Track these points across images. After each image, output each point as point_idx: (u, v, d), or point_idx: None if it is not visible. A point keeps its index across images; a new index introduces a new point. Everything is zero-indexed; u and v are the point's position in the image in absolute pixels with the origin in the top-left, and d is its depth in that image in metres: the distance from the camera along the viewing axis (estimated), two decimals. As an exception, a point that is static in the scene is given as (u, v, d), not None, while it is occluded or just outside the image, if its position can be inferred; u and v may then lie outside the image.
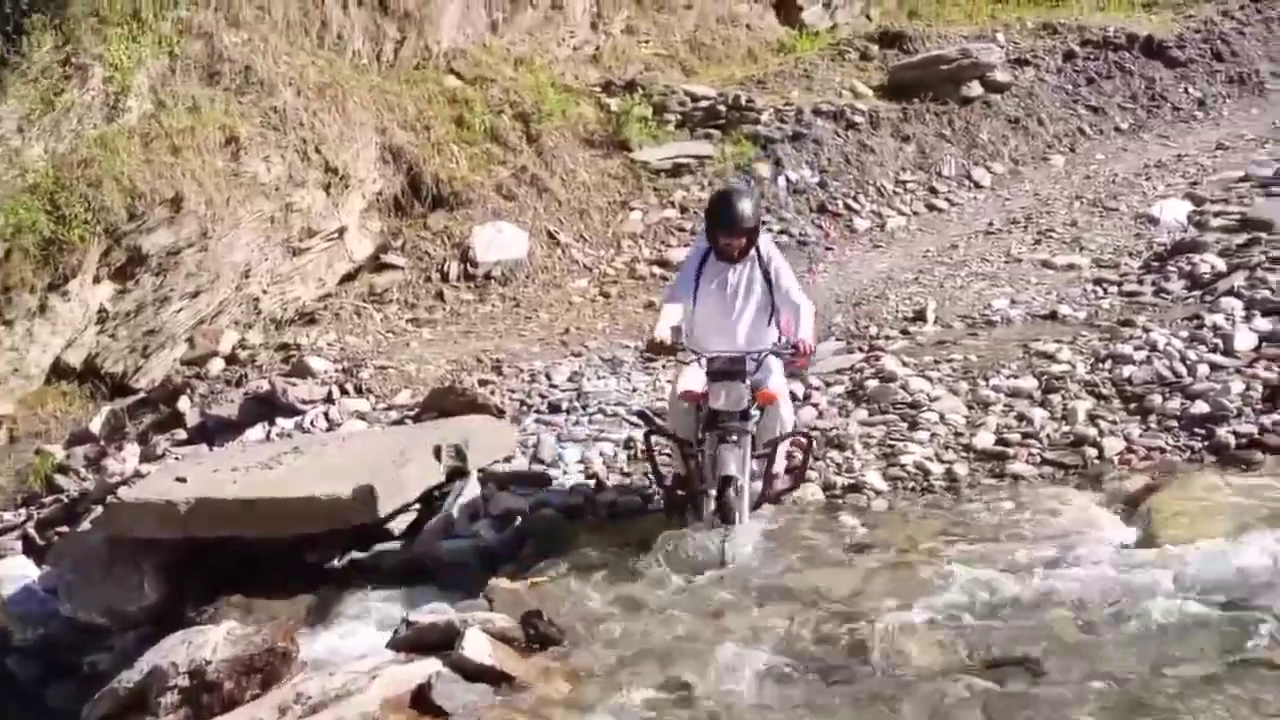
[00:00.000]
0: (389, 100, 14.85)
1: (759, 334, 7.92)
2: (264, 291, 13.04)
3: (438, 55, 16.03)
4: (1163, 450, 8.43)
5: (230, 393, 11.46)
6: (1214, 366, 9.34)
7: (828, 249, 14.66)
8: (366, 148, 14.11)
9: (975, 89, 17.59)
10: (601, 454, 9.37)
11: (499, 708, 5.54)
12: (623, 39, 18.42)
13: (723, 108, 16.62)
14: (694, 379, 7.69)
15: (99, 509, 9.21)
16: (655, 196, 15.46)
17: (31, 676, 8.67)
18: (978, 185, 16.45)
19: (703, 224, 8.20)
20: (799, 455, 8.23)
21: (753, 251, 7.86)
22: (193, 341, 12.49)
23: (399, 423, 10.31)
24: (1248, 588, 6.18)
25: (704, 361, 7.61)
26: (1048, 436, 8.84)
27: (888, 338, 11.31)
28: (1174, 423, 8.70)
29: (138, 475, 9.87)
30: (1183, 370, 9.35)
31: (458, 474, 8.68)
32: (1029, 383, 9.66)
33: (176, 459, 10.17)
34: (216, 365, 12.17)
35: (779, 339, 7.89)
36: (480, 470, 8.81)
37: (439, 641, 6.06)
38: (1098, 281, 12.15)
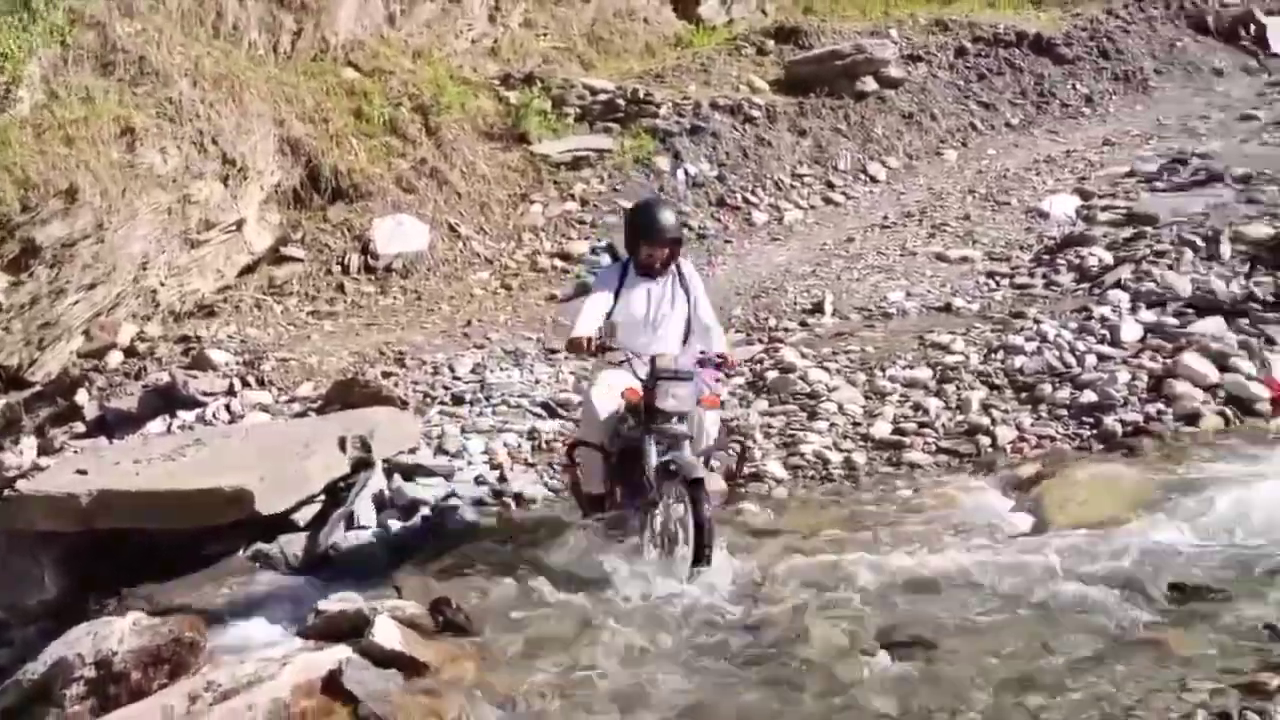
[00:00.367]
0: (286, 92, 14.75)
1: (678, 349, 7.47)
2: (162, 284, 12.89)
3: (335, 47, 15.96)
4: (1053, 439, 8.70)
5: (129, 385, 11.34)
6: (1101, 357, 9.64)
7: (726, 242, 14.83)
8: (264, 139, 14.00)
9: (870, 84, 17.88)
10: (506, 445, 9.43)
11: (408, 692, 5.61)
12: (521, 32, 18.46)
13: (622, 101, 16.74)
14: (623, 379, 7.25)
15: (-4, 503, 9.10)
16: (555, 189, 15.53)
17: None
18: (873, 179, 16.74)
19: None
20: (729, 463, 8.08)
21: (673, 266, 7.58)
22: (90, 334, 12.32)
23: (302, 415, 10.28)
24: (1132, 570, 6.42)
25: (644, 360, 7.13)
26: (943, 426, 9.08)
27: (786, 329, 11.50)
28: (1064, 412, 8.98)
29: (36, 469, 9.73)
30: (1072, 361, 9.63)
31: (363, 465, 8.67)
32: (924, 373, 9.91)
33: (76, 452, 10.02)
34: (115, 358, 12.02)
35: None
36: (385, 461, 8.81)
37: (349, 629, 6.10)
38: (990, 274, 12.43)
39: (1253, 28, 21.49)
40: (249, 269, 13.77)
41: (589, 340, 7.20)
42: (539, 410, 9.99)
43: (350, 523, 8.18)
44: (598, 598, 6.65)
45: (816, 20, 19.93)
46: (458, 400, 10.39)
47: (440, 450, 9.34)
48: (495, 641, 6.27)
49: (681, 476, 6.82)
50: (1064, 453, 8.45)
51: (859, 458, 8.74)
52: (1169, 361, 9.27)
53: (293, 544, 8.08)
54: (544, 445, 9.41)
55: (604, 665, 5.80)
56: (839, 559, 6.92)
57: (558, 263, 14.32)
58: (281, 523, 8.17)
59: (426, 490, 8.62)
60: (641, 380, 7.08)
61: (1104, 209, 14.02)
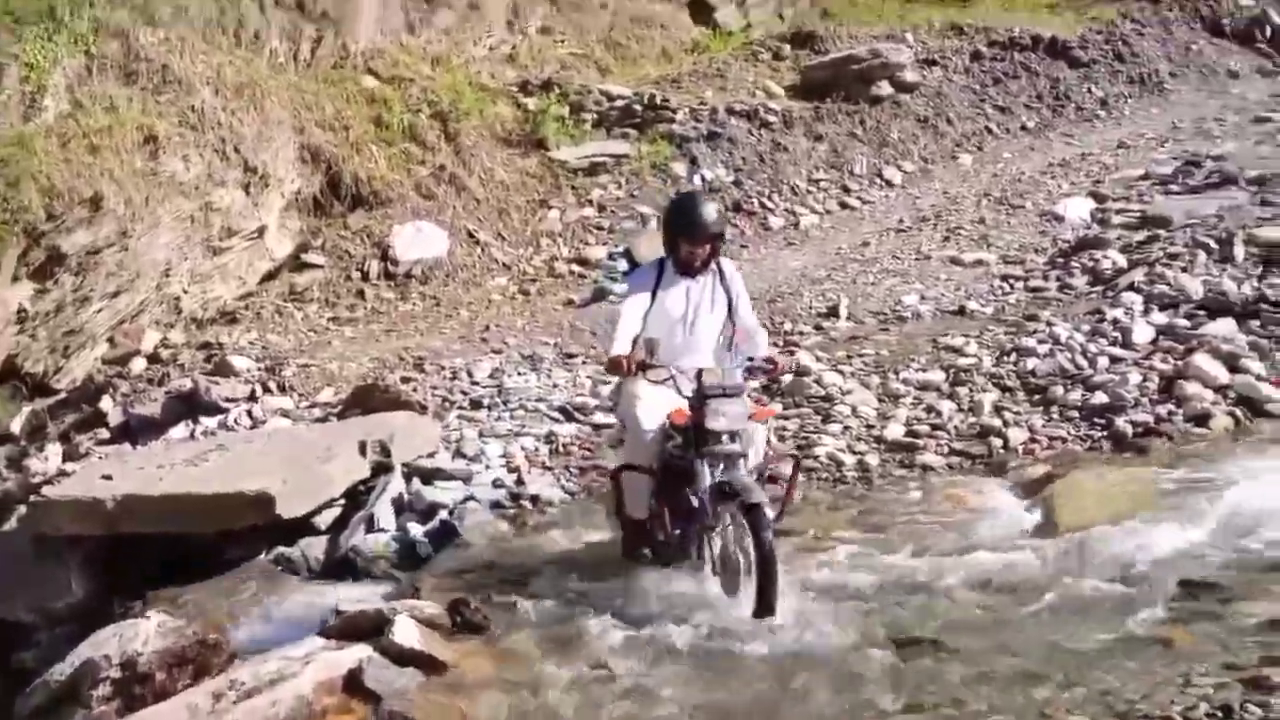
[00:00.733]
0: (307, 100, 14.92)
1: (718, 353, 7.09)
2: (185, 291, 13.07)
3: (355, 55, 16.14)
4: (1064, 440, 8.78)
5: (153, 392, 11.51)
6: (1113, 359, 9.71)
7: (743, 247, 14.92)
8: (285, 147, 14.18)
9: (885, 89, 17.97)
10: (523, 448, 9.54)
11: (428, 689, 5.73)
12: (539, 39, 18.63)
13: (639, 107, 16.86)
14: (656, 399, 6.83)
15: (23, 508, 9.26)
16: (573, 195, 15.67)
17: None
18: (889, 184, 16.83)
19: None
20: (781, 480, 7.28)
21: (714, 264, 7.11)
22: (114, 341, 12.50)
23: (323, 420, 10.42)
24: (1139, 568, 6.50)
25: (689, 376, 6.66)
26: (955, 428, 9.17)
27: (802, 333, 11.59)
28: (1075, 413, 9.06)
29: (62, 474, 9.91)
30: (1084, 363, 9.71)
31: (382, 469, 8.83)
32: (937, 376, 10.00)
33: (100, 458, 10.20)
34: (138, 364, 12.22)
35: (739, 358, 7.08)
36: (404, 465, 8.95)
37: (369, 629, 6.20)
38: (1004, 278, 12.51)
39: (1268, 30, 21.54)
40: (270, 276, 13.95)
41: (629, 361, 6.69)
42: (556, 414, 10.10)
43: (370, 525, 8.32)
44: (614, 597, 6.74)
45: (832, 25, 20.00)
46: (476, 405, 10.50)
47: (459, 454, 9.45)
48: (513, 641, 6.36)
49: (740, 501, 6.28)
50: (1075, 454, 8.52)
51: (872, 460, 8.83)
52: (1180, 363, 9.34)
53: (314, 547, 8.21)
54: (561, 449, 9.52)
55: (618, 664, 5.90)
56: (849, 558, 7.02)
57: (575, 268, 14.45)
58: (303, 526, 8.33)
59: (445, 493, 8.73)
60: (688, 399, 6.65)
61: (1118, 212, 14.08)
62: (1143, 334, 10.03)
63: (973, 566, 6.77)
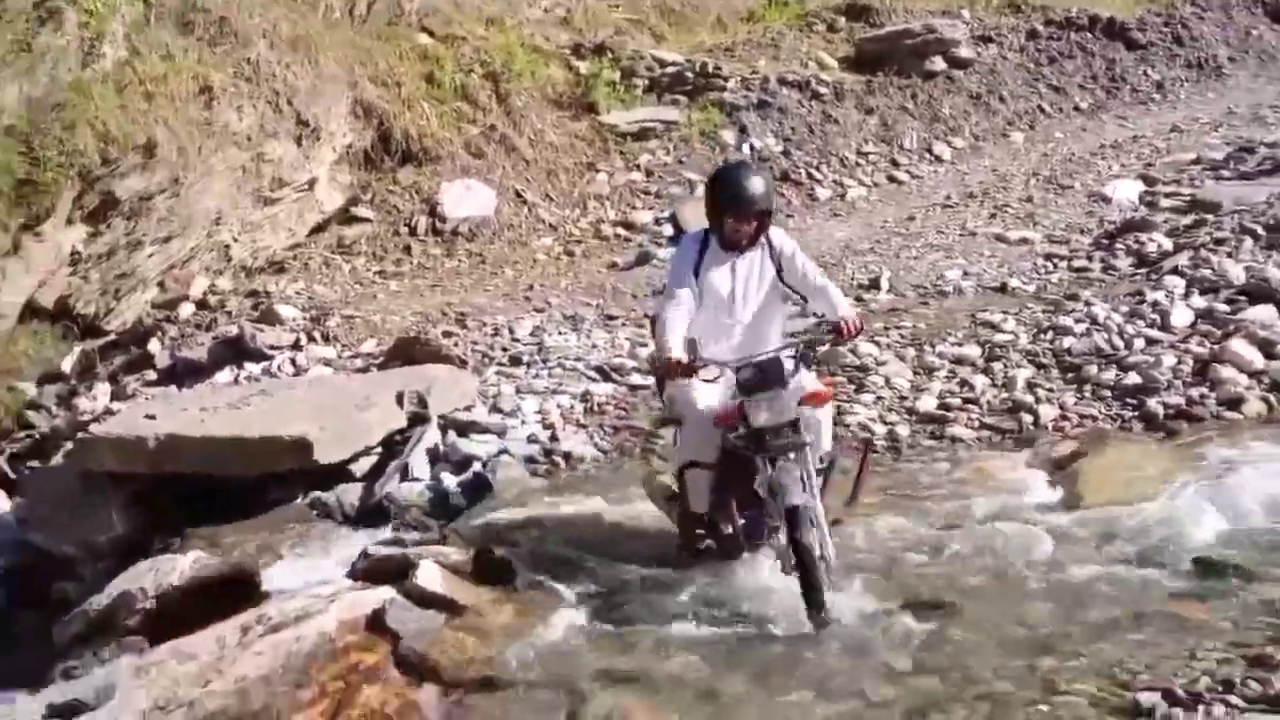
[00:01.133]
0: (361, 55, 15.07)
1: (774, 331, 6.75)
2: (235, 239, 13.27)
3: (410, 13, 16.29)
4: (1094, 418, 8.77)
5: (200, 336, 11.73)
6: (1150, 341, 9.68)
7: (788, 217, 14.96)
8: (338, 101, 14.33)
9: (939, 64, 17.95)
10: (559, 405, 9.68)
11: (448, 631, 5.88)
12: (593, 3, 18.69)
13: (690, 74, 16.91)
14: (712, 395, 6.45)
15: (70, 444, 9.49)
16: (621, 159, 15.78)
17: (1, 604, 8.83)
18: (938, 159, 16.81)
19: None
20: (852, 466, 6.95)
21: (762, 239, 6.64)
22: (164, 285, 12.72)
23: (364, 370, 10.59)
24: (1157, 545, 6.55)
25: (728, 373, 6.28)
26: (987, 402, 9.19)
27: (841, 304, 11.60)
28: (1107, 392, 9.04)
29: (108, 413, 10.14)
30: (1120, 343, 9.69)
31: (419, 420, 8.99)
32: (973, 351, 10.02)
33: (146, 399, 10.42)
34: (187, 309, 12.43)
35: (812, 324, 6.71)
36: (441, 417, 9.11)
37: (395, 572, 6.38)
38: (1048, 256, 12.49)
39: (1332, 17, 21.29)
40: (319, 228, 14.13)
41: (679, 364, 6.18)
42: (593, 374, 10.22)
43: (405, 474, 8.50)
44: (644, 558, 6.83)
45: (889, -1, 19.97)
46: (515, 361, 10.65)
47: (495, 409, 9.60)
48: (535, 591, 6.50)
49: (779, 502, 5.98)
50: (1104, 432, 8.52)
51: (902, 430, 8.88)
52: (1216, 347, 9.33)
53: (349, 493, 8.40)
54: (596, 408, 9.64)
55: (637, 615, 6.02)
56: (872, 525, 7.10)
57: (621, 231, 14.57)
58: (339, 472, 8.52)
59: (479, 446, 8.89)
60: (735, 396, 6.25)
61: (1167, 195, 14.01)
62: (1181, 317, 10.00)
63: (993, 538, 6.83)
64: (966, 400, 9.23)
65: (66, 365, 11.70)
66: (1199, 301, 10.28)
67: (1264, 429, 8.40)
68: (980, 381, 9.47)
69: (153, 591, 6.78)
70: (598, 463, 8.88)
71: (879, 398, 9.40)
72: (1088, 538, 6.77)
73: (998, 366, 9.68)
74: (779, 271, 6.65)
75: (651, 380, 8.34)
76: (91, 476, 8.83)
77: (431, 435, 8.86)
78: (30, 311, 12.14)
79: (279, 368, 10.74)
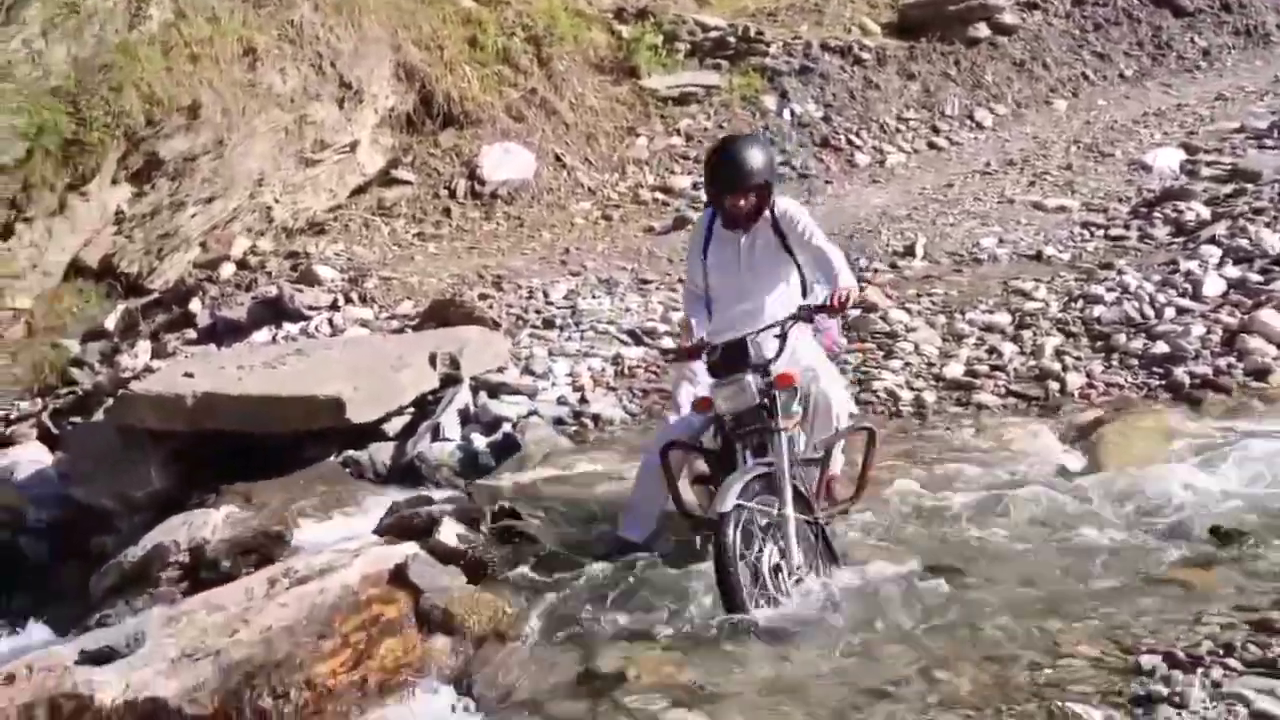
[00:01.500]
0: (404, 18, 15.17)
1: (783, 308, 6.35)
2: (276, 200, 13.44)
3: (453, -25, 16.34)
4: (1121, 387, 8.83)
5: (240, 296, 11.90)
6: (1180, 310, 9.72)
7: (827, 183, 15.01)
8: (380, 64, 14.46)
9: (983, 30, 17.85)
10: (590, 368, 9.82)
11: (468, 586, 6.03)
12: (637, -34, 18.66)
13: (732, 39, 16.94)
14: (694, 380, 6.43)
15: (111, 401, 9.67)
16: (661, 124, 15.85)
17: (43, 556, 9.05)
18: (979, 126, 16.76)
19: (701, 187, 7.26)
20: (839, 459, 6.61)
21: (766, 212, 6.43)
22: (205, 246, 12.92)
23: (399, 331, 10.73)
24: (1173, 512, 6.61)
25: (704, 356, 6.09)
26: (1015, 370, 9.26)
27: (876, 270, 11.68)
28: (1135, 361, 9.10)
29: (149, 370, 10.33)
30: (1150, 313, 9.72)
31: (451, 381, 9.11)
32: (1003, 318, 10.09)
33: (186, 357, 10.58)
34: (228, 269, 12.61)
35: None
36: (473, 379, 9.24)
37: (420, 529, 6.52)
38: (1085, 225, 12.48)
39: (1385, -16, 20.99)
40: (360, 190, 14.28)
41: (682, 348, 6.34)
42: (625, 337, 10.35)
43: (436, 434, 8.63)
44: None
45: (935, -37, 19.81)
46: (548, 324, 10.78)
47: (527, 370, 9.75)
48: (558, 549, 6.60)
49: (714, 505, 5.66)
50: (1130, 401, 8.57)
51: (929, 396, 8.96)
52: (1245, 317, 9.34)
53: (381, 452, 8.53)
54: (626, 371, 9.79)
55: (654, 574, 6.12)
56: (892, 489, 7.18)
57: (659, 196, 14.66)
58: (372, 432, 8.63)
59: (510, 408, 9.04)
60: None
61: (1208, 164, 13.92)
62: (1213, 286, 10.00)
63: (1011, 503, 6.88)
64: (994, 367, 9.31)
65: (110, 323, 11.91)
66: (1233, 271, 10.29)
67: (1289, 399, 8.43)
68: (1009, 349, 9.53)
69: (185, 545, 6.95)
70: (626, 425, 9.01)
71: (907, 364, 9.49)
72: (1106, 504, 6.84)
73: (1027, 334, 9.75)
74: (783, 239, 6.42)
75: None
76: (131, 433, 8.96)
77: (463, 396, 8.98)
78: (75, 270, 12.37)
79: (316, 328, 10.90)
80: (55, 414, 10.56)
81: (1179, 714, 4.41)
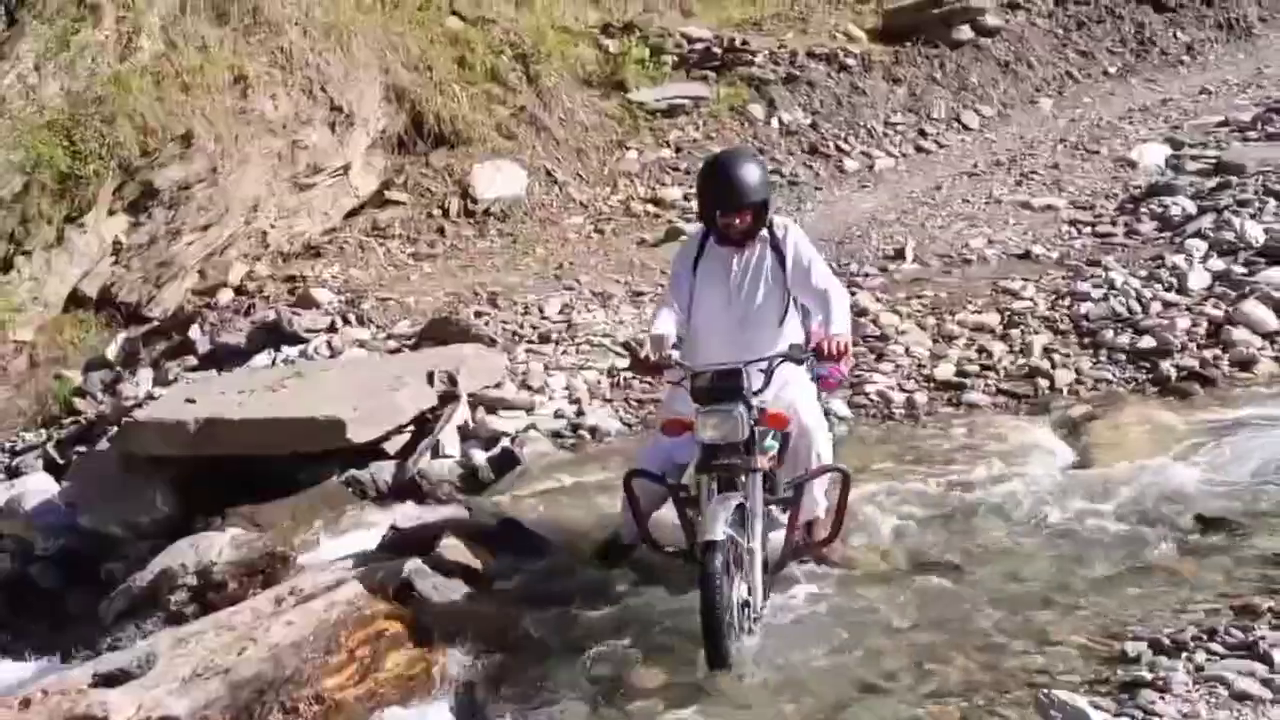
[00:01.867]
0: (392, 41, 15.25)
1: (772, 337, 6.16)
2: (271, 225, 13.52)
3: (440, -4, 16.46)
4: (1109, 382, 8.95)
5: (238, 321, 11.97)
6: (1166, 304, 9.84)
7: (817, 189, 15.11)
8: (371, 87, 14.56)
9: (966, 32, 17.92)
10: (585, 381, 9.92)
11: (470, 599, 6.15)
12: (623, -19, 18.80)
13: (719, 50, 17.01)
14: (683, 402, 5.91)
15: (115, 429, 9.76)
16: (651, 136, 15.92)
17: (53, 583, 9.02)
18: (966, 128, 16.85)
19: (692, 198, 7.06)
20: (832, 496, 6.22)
21: (764, 232, 6.20)
22: (203, 273, 12.98)
23: (397, 351, 10.84)
24: (1161, 503, 6.75)
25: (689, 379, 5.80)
26: (1004, 368, 9.39)
27: (867, 275, 11.77)
28: (1122, 356, 9.22)
29: (151, 398, 10.41)
30: (1137, 308, 9.84)
31: (449, 398, 9.21)
32: (993, 318, 10.20)
33: (188, 383, 10.69)
34: (226, 295, 12.68)
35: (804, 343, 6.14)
36: (471, 395, 9.36)
37: (423, 544, 6.64)
38: (1073, 222, 12.59)
39: (1365, -25, 21.14)
40: (354, 212, 14.35)
41: (645, 359, 6.02)
42: (619, 349, 10.44)
43: (436, 451, 8.74)
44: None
45: (918, -32, 19.95)
46: (544, 339, 10.87)
47: (524, 385, 9.84)
48: (563, 561, 6.72)
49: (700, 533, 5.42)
50: (1118, 395, 8.70)
51: (920, 398, 9.08)
52: (1230, 309, 9.46)
53: (383, 470, 8.63)
54: (621, 382, 9.89)
55: (651, 580, 6.24)
56: (886, 489, 7.30)
57: (650, 208, 14.72)
58: (373, 450, 8.72)
59: (508, 423, 9.16)
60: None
61: (1193, 159, 14.05)
62: (1199, 280, 10.12)
63: (1002, 499, 7.04)
64: (984, 367, 9.43)
65: (111, 352, 11.99)
66: (1217, 264, 10.41)
67: (1276, 389, 8.55)
68: (998, 348, 9.65)
69: (193, 568, 7.08)
70: (622, 435, 9.12)
71: (898, 366, 9.60)
72: (1095, 496, 6.98)
73: (1015, 333, 9.86)
74: (780, 261, 6.17)
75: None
76: (136, 460, 9.05)
77: (461, 413, 9.10)
78: (75, 301, 12.42)
79: (315, 350, 10.99)
80: (60, 444, 10.65)
81: (1162, 698, 4.54)
